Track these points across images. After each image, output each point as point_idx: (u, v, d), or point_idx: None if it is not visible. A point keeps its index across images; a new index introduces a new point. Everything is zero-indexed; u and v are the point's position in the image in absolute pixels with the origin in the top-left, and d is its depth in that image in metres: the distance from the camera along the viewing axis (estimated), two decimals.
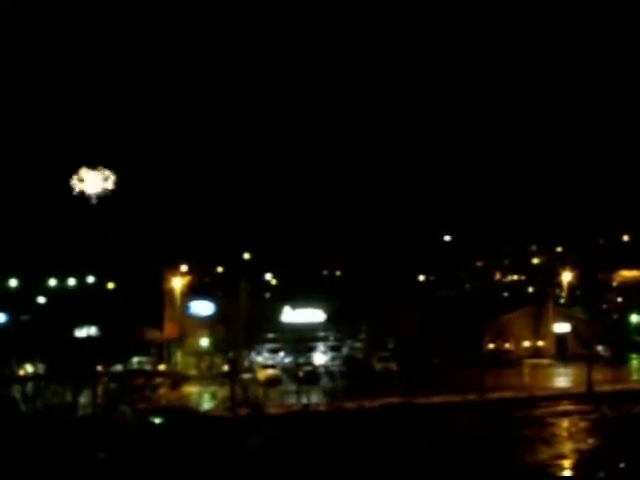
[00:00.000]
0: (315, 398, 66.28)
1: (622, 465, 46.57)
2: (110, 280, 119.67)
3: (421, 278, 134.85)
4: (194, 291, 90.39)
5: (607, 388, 71.25)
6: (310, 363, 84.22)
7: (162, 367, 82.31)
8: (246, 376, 74.26)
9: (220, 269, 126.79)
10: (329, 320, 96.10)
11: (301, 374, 78.08)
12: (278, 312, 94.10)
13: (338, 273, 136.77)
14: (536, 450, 51.27)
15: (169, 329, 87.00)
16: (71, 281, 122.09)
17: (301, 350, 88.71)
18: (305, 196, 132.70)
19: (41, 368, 61.84)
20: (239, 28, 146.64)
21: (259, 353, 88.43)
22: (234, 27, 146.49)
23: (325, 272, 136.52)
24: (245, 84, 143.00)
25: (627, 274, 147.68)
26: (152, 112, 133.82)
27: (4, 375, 51.81)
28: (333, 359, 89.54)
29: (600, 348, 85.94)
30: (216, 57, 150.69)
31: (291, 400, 65.24)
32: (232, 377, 67.18)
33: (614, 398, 66.72)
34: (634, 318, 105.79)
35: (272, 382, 75.35)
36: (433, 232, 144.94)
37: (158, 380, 68.31)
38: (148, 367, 79.98)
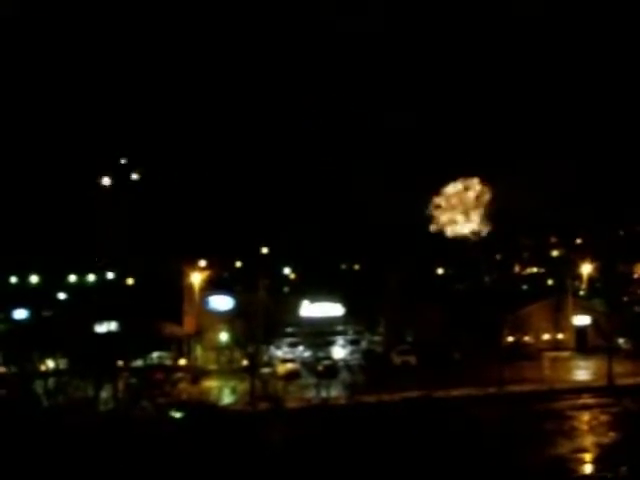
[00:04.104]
0: (334, 392, 66.38)
1: None
2: (130, 276, 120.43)
3: (440, 272, 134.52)
4: (213, 286, 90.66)
5: (628, 381, 70.79)
6: (329, 357, 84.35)
7: (182, 362, 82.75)
8: (265, 370, 74.50)
9: (239, 264, 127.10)
10: (348, 314, 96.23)
11: (320, 368, 78.20)
12: (297, 306, 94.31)
13: (357, 267, 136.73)
14: (557, 443, 51.06)
15: (188, 324, 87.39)
16: (91, 277, 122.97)
17: (320, 344, 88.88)
18: (322, 189, 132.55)
19: (62, 363, 62.30)
20: (244, 29, 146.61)
21: (278, 347, 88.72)
22: (241, 27, 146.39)
23: (344, 266, 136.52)
24: (258, 83, 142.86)
25: None
26: (170, 108, 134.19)
27: (26, 371, 52.35)
28: (352, 353, 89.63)
29: (621, 341, 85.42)
30: (232, 52, 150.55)
31: (310, 394, 65.33)
32: (251, 371, 67.48)
33: (635, 391, 66.29)
34: None
35: (291, 376, 75.51)
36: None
37: (178, 375, 68.84)
38: (168, 362, 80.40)
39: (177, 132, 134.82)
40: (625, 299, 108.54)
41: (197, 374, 77.55)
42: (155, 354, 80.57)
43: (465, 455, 45.56)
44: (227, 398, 65.17)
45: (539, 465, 45.78)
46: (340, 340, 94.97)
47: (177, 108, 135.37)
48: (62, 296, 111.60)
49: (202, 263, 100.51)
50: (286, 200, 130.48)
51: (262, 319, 73.68)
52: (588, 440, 52.78)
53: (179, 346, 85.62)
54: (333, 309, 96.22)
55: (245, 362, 73.64)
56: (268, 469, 41.03)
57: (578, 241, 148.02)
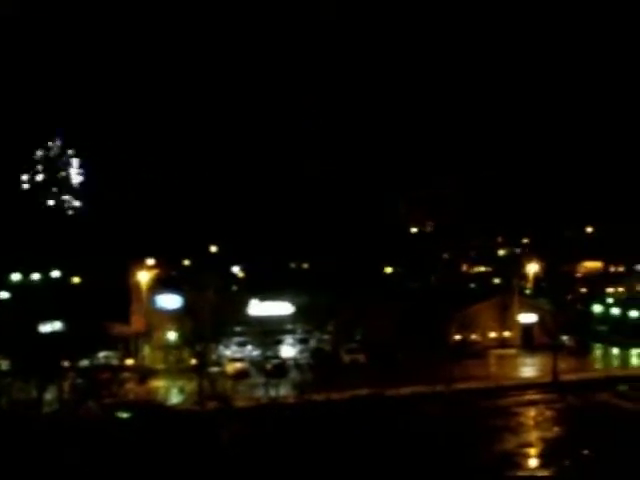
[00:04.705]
0: (283, 391, 66.23)
1: (586, 452, 47.35)
2: (75, 275, 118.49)
3: (388, 270, 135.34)
4: (161, 285, 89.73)
5: (572, 377, 72.11)
6: (278, 356, 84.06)
7: (129, 362, 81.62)
8: (214, 370, 73.93)
9: (187, 262, 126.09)
10: (297, 313, 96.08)
11: (269, 367, 77.87)
12: (246, 305, 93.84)
13: (306, 266, 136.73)
14: (503, 439, 51.80)
15: (136, 323, 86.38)
16: (35, 276, 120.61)
17: (269, 343, 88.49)
18: (272, 190, 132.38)
19: (5, 365, 60.96)
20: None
21: (227, 346, 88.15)
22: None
23: (293, 265, 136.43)
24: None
25: (591, 265, 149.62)
26: (119, 107, 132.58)
27: None
28: (301, 352, 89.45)
29: (565, 338, 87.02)
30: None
31: (259, 393, 65.06)
32: (200, 371, 66.85)
33: (579, 387, 67.64)
34: (597, 308, 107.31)
35: (240, 375, 75.13)
36: (400, 224, 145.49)
37: (125, 375, 67.88)
38: (115, 362, 79.23)
39: (125, 131, 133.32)
40: (569, 297, 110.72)
41: (144, 374, 76.55)
42: (102, 354, 79.26)
43: (414, 452, 45.89)
44: (175, 398, 64.49)
45: (487, 460, 46.39)
46: (289, 339, 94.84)
47: (124, 106, 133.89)
48: (4, 295, 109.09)
49: (150, 262, 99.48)
50: (235, 199, 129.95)
51: (211, 318, 73.02)
52: (533, 435, 53.66)
53: (126, 346, 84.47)
54: (282, 308, 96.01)
55: (193, 361, 72.94)
56: (217, 468, 40.73)
57: (524, 241, 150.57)
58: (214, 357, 79.96)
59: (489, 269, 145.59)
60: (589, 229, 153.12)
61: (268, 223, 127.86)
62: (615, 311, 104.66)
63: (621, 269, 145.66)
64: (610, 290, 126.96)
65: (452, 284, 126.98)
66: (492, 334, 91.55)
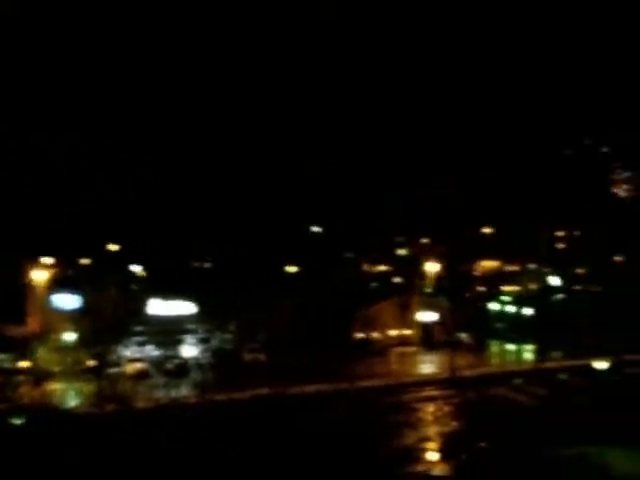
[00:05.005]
0: (184, 391, 65.50)
1: (483, 445, 48.68)
2: None
3: (290, 269, 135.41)
4: (59, 284, 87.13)
5: (469, 373, 73.99)
6: (179, 356, 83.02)
7: (24, 364, 78.88)
8: (114, 370, 72.43)
9: (86, 261, 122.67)
10: (198, 312, 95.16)
11: (170, 367, 76.93)
12: (147, 304, 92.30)
13: (208, 265, 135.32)
14: (404, 434, 52.64)
15: (32, 324, 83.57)
16: None
17: (170, 343, 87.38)
18: (173, 186, 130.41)
19: None
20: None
21: (127, 347, 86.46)
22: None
23: (195, 264, 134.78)
24: None
25: (488, 265, 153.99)
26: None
27: None
28: (203, 351, 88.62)
29: (463, 335, 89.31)
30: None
31: (160, 394, 64.04)
32: (99, 372, 65.38)
33: (476, 382, 69.49)
34: (494, 306, 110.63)
35: (140, 376, 73.74)
36: (302, 223, 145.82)
37: (19, 378, 65.59)
38: (8, 365, 76.46)
39: (18, 124, 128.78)
40: (467, 296, 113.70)
41: (40, 376, 74.13)
42: None
43: (318, 449, 46.11)
44: (72, 400, 62.74)
45: (388, 455, 47.07)
46: (190, 338, 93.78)
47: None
48: None
49: (47, 260, 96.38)
50: (135, 196, 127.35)
51: (110, 318, 71.61)
52: (432, 430, 54.73)
53: (21, 347, 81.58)
54: (184, 307, 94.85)
55: (92, 363, 71.22)
56: (116, 471, 39.85)
57: (424, 241, 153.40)
58: (113, 358, 78.35)
59: (390, 268, 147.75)
60: (487, 229, 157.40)
61: (170, 221, 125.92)
62: (510, 309, 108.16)
63: (516, 268, 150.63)
64: (506, 288, 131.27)
65: (354, 283, 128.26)
66: (393, 332, 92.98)
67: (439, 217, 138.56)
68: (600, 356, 70.28)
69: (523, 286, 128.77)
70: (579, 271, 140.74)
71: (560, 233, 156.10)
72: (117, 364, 76.89)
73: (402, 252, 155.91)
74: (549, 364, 76.67)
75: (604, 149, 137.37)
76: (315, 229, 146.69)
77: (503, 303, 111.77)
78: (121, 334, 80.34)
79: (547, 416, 54.45)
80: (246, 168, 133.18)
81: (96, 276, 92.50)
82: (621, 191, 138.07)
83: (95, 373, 65.83)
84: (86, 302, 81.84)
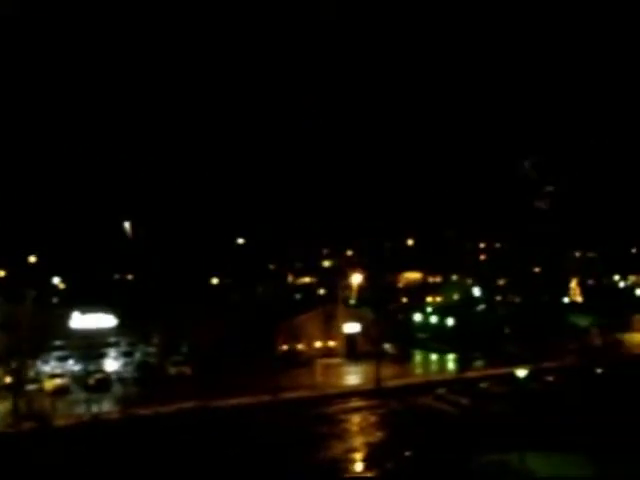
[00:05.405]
0: (107, 406, 64.05)
1: (408, 453, 49.13)
2: None
3: (214, 281, 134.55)
4: None
5: (394, 383, 74.56)
6: (101, 370, 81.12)
7: None
8: (32, 387, 70.23)
9: (2, 273, 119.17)
10: (121, 325, 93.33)
11: (92, 382, 74.98)
12: (67, 318, 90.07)
13: (130, 277, 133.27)
14: (330, 446, 52.62)
15: None
16: None
17: (91, 357, 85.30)
18: (96, 199, 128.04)
19: None
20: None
21: (46, 362, 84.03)
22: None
23: (117, 276, 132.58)
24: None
25: (411, 276, 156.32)
26: None
27: None
28: (125, 365, 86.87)
29: (387, 346, 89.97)
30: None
31: (81, 410, 62.47)
32: (15, 389, 63.25)
33: (400, 392, 70.08)
34: (417, 317, 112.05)
35: (60, 392, 71.70)
36: (226, 235, 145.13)
37: None
38: None
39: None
40: (391, 307, 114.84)
41: None
42: None
43: (243, 462, 45.69)
44: None
45: (314, 467, 46.96)
46: (113, 352, 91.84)
47: None
48: None
49: None
50: (55, 206, 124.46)
51: (28, 332, 69.26)
52: (358, 440, 54.86)
53: None
54: (105, 320, 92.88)
55: (8, 379, 68.83)
56: None
57: (348, 253, 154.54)
58: (31, 374, 75.93)
59: (314, 280, 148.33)
60: (410, 241, 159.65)
61: (93, 234, 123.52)
62: (433, 319, 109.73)
63: (438, 279, 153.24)
64: (429, 299, 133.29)
65: (278, 295, 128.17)
66: (317, 344, 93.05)
67: (363, 229, 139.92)
68: (520, 364, 71.91)
69: (446, 297, 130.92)
70: (500, 282, 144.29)
71: (482, 245, 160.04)
72: (35, 380, 74.58)
73: (327, 264, 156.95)
74: (471, 373, 77.88)
75: (527, 164, 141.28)
76: (239, 241, 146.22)
77: (426, 314, 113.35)
78: (40, 349, 77.89)
79: (470, 424, 55.28)
80: (177, 178, 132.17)
81: (13, 288, 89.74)
82: (542, 205, 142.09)
83: (12, 390, 63.54)
84: (2, 315, 79.06)
